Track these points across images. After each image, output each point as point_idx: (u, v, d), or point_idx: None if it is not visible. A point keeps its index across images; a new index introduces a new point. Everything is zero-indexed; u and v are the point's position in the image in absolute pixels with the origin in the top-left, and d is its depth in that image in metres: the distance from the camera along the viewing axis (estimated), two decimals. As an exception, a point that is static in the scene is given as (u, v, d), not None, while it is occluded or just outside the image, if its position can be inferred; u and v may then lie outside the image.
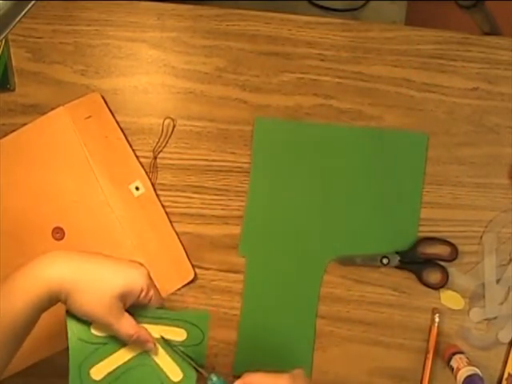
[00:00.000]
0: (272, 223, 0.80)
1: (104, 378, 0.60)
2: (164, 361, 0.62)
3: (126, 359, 0.61)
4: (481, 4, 0.80)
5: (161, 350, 0.62)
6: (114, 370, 0.61)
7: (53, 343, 0.79)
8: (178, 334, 0.62)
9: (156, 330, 0.62)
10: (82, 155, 0.81)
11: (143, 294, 0.59)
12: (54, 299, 0.57)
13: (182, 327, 0.62)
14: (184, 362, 0.61)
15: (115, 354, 0.61)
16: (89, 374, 0.60)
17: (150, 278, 0.61)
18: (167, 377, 0.61)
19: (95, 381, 0.60)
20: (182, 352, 0.61)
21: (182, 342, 0.62)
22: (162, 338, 0.61)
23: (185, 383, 0.61)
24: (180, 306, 0.80)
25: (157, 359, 0.62)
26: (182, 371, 0.61)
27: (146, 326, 0.61)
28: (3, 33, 0.47)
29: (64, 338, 0.79)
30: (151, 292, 0.60)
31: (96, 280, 0.57)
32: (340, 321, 0.80)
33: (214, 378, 0.59)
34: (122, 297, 0.58)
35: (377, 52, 0.80)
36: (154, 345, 0.61)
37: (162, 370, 0.61)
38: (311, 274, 0.80)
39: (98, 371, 0.61)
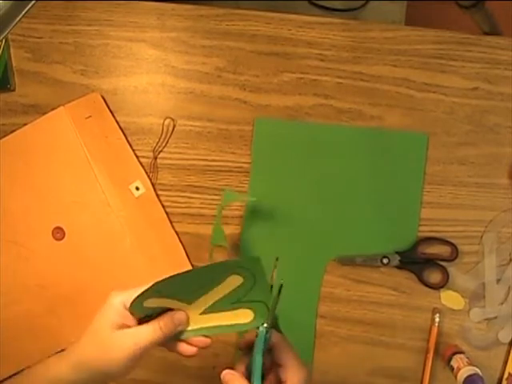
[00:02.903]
0: (272, 223, 0.80)
1: None
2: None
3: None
4: (481, 4, 0.80)
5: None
6: None
7: (54, 343, 0.79)
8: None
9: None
10: (82, 155, 0.81)
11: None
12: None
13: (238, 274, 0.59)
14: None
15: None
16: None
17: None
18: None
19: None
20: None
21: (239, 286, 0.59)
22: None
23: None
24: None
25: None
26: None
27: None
28: (3, 33, 0.47)
29: (64, 337, 0.79)
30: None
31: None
32: (340, 321, 0.80)
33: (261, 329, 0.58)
34: (118, 323, 0.57)
35: (377, 52, 0.80)
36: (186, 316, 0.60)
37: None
38: (311, 274, 0.80)
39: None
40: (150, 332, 0.57)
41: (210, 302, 0.60)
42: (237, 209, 0.81)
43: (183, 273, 0.57)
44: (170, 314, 0.59)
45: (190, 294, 0.59)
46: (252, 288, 0.59)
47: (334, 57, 0.80)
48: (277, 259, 0.60)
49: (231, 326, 0.61)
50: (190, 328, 0.60)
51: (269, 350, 0.58)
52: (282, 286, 0.60)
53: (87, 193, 0.80)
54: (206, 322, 0.61)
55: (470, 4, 0.80)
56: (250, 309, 0.60)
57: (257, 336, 0.58)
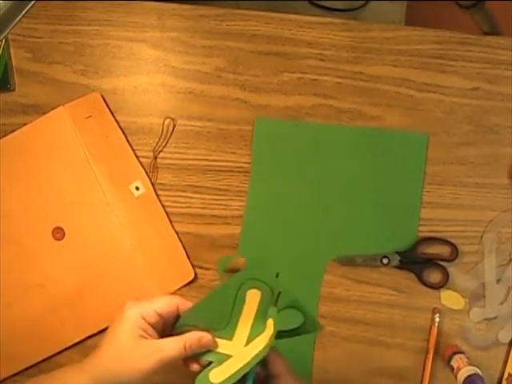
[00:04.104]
0: (272, 223, 0.80)
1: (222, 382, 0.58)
2: None
3: (242, 364, 0.58)
4: (481, 4, 0.80)
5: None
6: (233, 374, 0.57)
7: (54, 343, 0.79)
8: None
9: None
10: (82, 155, 0.81)
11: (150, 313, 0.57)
12: None
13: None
14: None
15: (230, 360, 0.59)
16: (208, 377, 0.58)
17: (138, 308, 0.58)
18: None
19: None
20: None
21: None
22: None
23: None
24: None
25: None
26: None
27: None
28: (3, 33, 0.47)
29: (64, 337, 0.79)
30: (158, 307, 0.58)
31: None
32: (340, 321, 0.80)
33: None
34: (139, 334, 0.56)
35: (377, 52, 0.80)
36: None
37: None
38: (311, 274, 0.80)
39: (218, 374, 0.58)
40: (173, 347, 0.56)
41: (248, 329, 0.59)
42: (237, 209, 0.81)
43: (200, 300, 0.57)
44: (197, 335, 0.58)
45: (218, 322, 0.59)
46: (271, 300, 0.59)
47: (334, 57, 0.80)
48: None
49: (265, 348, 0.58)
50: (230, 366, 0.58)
51: (263, 361, 0.58)
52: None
53: (87, 193, 0.80)
54: (249, 354, 0.58)
55: (470, 4, 0.80)
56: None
57: None
